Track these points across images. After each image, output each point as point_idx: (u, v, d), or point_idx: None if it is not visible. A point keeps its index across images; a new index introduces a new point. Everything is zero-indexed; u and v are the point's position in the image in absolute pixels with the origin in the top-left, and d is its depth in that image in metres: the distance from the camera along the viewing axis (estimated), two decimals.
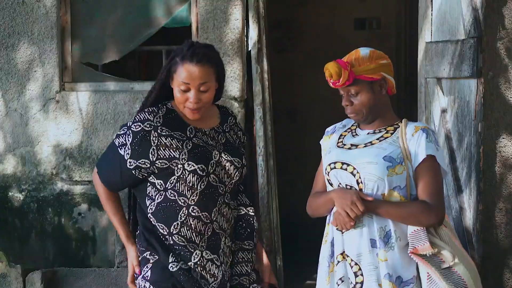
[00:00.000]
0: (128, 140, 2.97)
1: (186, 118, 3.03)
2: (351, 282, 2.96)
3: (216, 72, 3.00)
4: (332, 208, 3.04)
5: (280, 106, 7.27)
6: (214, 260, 3.00)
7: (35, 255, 5.49)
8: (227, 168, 3.01)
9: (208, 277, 2.97)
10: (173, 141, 2.96)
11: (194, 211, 2.97)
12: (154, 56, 5.57)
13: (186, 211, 2.96)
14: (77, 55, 5.50)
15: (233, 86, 5.24)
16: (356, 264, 2.96)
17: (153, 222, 2.99)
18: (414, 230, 2.92)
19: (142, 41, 5.43)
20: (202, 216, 2.98)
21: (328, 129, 3.23)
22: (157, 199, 2.98)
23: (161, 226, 2.98)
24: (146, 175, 2.98)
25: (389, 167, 2.93)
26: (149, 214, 3.00)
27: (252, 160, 5.50)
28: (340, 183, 3.02)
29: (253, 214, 3.12)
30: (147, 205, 3.00)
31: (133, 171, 2.97)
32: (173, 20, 5.43)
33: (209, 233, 3.00)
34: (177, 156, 2.94)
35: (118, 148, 2.99)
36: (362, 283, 2.95)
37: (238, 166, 3.04)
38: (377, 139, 3.03)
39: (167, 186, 2.97)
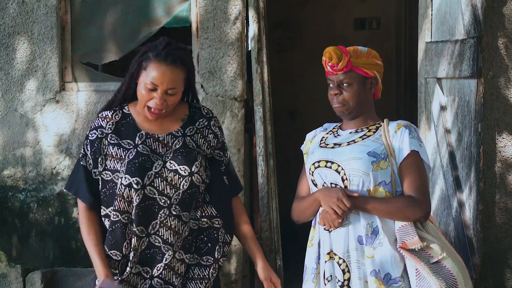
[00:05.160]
0: (88, 150, 2.93)
1: (140, 123, 2.94)
2: (339, 280, 2.96)
3: (186, 77, 2.92)
4: (318, 210, 3.04)
5: (280, 106, 7.27)
6: (141, 273, 2.90)
7: (35, 255, 5.48)
8: (169, 179, 2.86)
9: None
10: (119, 150, 2.89)
11: (133, 226, 2.88)
12: None
13: (129, 228, 2.88)
14: (77, 55, 5.50)
15: (233, 86, 5.24)
16: (344, 261, 2.96)
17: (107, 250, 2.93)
18: (402, 225, 2.92)
19: (142, 41, 5.42)
20: (137, 231, 2.87)
21: (309, 134, 3.24)
22: (106, 224, 2.92)
23: (114, 253, 2.91)
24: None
25: (374, 162, 2.95)
26: (105, 244, 2.93)
27: (252, 160, 5.50)
28: (324, 182, 3.03)
29: (218, 226, 2.96)
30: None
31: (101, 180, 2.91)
32: (173, 20, 5.43)
33: (143, 247, 2.89)
34: (118, 168, 2.87)
35: (80, 161, 2.94)
36: (349, 279, 2.95)
37: (184, 174, 2.87)
38: (360, 137, 3.04)
39: (109, 210, 2.89)
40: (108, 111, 2.96)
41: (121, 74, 5.59)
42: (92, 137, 2.93)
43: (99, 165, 2.90)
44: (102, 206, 2.91)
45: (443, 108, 4.60)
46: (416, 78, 5.07)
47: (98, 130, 2.93)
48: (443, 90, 4.62)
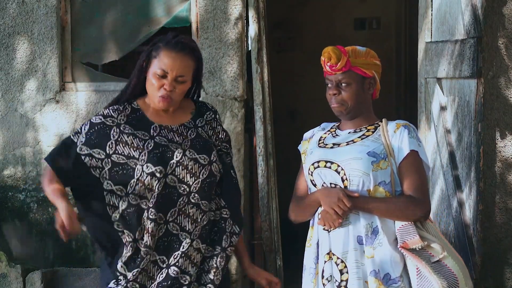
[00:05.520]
0: (84, 130, 2.95)
1: (151, 117, 2.98)
2: (336, 281, 2.96)
3: (195, 67, 2.96)
4: (317, 210, 3.04)
5: (280, 106, 7.27)
6: (158, 262, 2.92)
7: (35, 255, 5.48)
8: (189, 167, 2.91)
9: (146, 279, 2.92)
10: (135, 140, 2.92)
11: (152, 213, 2.90)
12: None
13: (146, 214, 2.90)
14: (77, 55, 5.50)
15: (233, 86, 5.24)
16: (342, 262, 2.96)
17: (119, 231, 2.92)
18: (402, 225, 2.93)
19: (142, 41, 5.43)
20: (157, 218, 2.90)
21: (306, 134, 3.25)
22: (121, 206, 2.91)
23: (127, 233, 2.91)
24: (98, 171, 2.90)
25: (374, 162, 2.95)
26: (115, 224, 2.91)
27: (252, 160, 5.50)
28: (324, 182, 3.02)
29: (226, 216, 3.00)
30: (110, 214, 2.91)
31: (84, 158, 2.89)
32: (173, 20, 5.43)
33: (160, 234, 2.92)
34: (137, 156, 2.89)
35: (71, 136, 2.95)
36: (347, 280, 2.95)
37: (204, 163, 2.93)
38: (359, 137, 3.04)
39: (128, 190, 2.90)
40: (118, 105, 3.00)
41: (121, 74, 5.62)
42: (95, 120, 2.96)
43: (106, 148, 2.89)
44: (108, 181, 2.91)
45: (443, 108, 4.60)
46: (416, 78, 5.07)
47: (108, 118, 2.96)
48: (443, 90, 4.62)
